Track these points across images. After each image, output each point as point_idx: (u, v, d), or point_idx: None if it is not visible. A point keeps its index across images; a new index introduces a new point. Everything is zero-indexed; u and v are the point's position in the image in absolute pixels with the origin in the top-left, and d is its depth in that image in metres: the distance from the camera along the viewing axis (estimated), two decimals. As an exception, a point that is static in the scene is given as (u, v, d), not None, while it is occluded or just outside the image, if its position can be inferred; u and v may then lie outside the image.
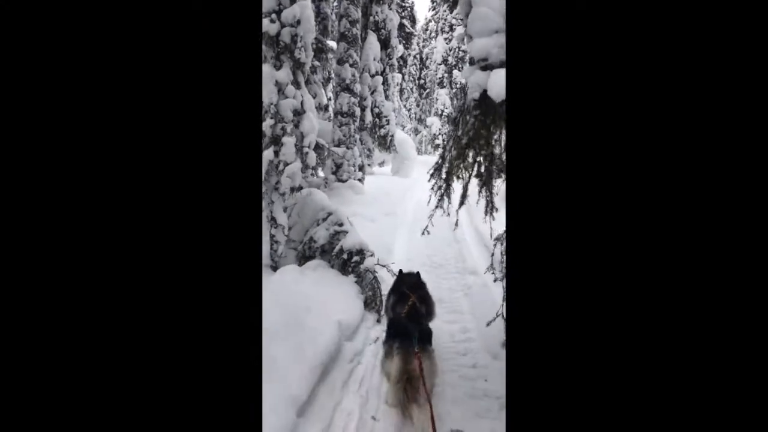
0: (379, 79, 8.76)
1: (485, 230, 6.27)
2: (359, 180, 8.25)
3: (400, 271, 3.46)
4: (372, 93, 8.77)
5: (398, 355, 2.38)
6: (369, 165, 14.84)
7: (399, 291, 3.09)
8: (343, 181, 7.77)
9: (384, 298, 3.52)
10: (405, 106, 27.38)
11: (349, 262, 4.39)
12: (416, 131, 28.63)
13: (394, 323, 2.74)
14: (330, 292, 3.89)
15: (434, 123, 23.10)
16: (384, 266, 4.49)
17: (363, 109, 8.59)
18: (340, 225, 4.65)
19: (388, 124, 8.99)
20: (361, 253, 4.43)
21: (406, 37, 30.17)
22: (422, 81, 29.25)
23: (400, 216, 8.71)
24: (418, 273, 3.36)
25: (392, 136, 9.12)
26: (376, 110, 8.82)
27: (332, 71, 7.54)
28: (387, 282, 4.77)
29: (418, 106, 29.47)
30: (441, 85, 23.42)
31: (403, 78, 28.13)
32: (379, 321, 4.10)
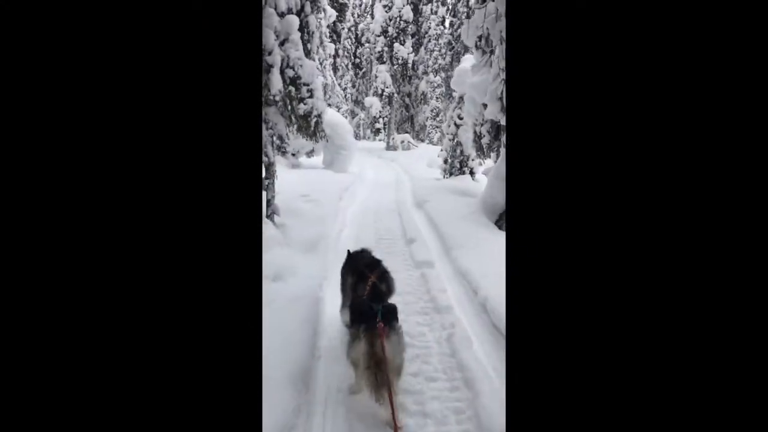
0: (294, 21, 5.10)
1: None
2: (264, 194, 4.64)
3: (348, 251, 3.16)
4: (282, 44, 5.09)
5: (365, 337, 2.23)
6: (294, 155, 11.12)
7: (357, 271, 2.83)
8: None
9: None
10: (339, 84, 23.49)
11: None
12: (353, 114, 24.93)
13: (356, 306, 2.52)
14: None
15: (374, 104, 19.48)
16: None
17: (266, 70, 4.92)
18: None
19: (311, 96, 5.37)
20: None
21: (340, 8, 26.12)
22: (358, 59, 25.43)
23: (331, 244, 5.19)
24: (369, 250, 3.19)
25: (319, 115, 5.52)
26: (291, 72, 5.17)
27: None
28: None
29: (354, 86, 25.69)
30: (381, 60, 19.77)
31: (336, 53, 24.16)
32: None
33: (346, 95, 24.60)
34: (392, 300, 3.86)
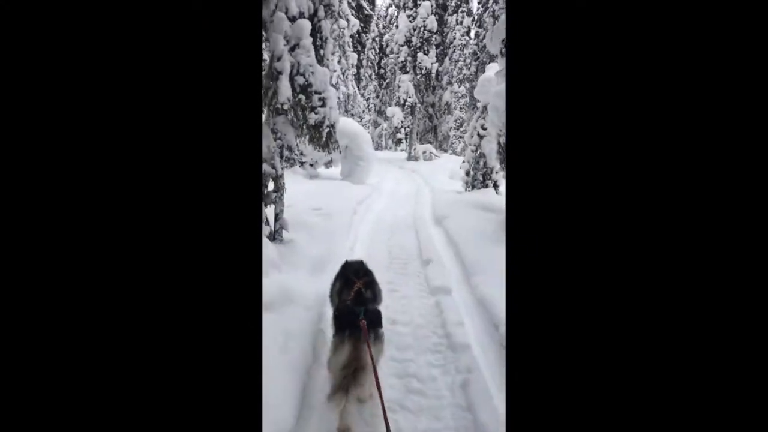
0: (306, 25, 4.77)
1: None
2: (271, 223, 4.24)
3: (346, 261, 3.15)
4: (293, 49, 4.76)
5: (349, 342, 2.14)
6: (312, 165, 10.82)
7: (344, 277, 2.86)
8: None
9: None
10: (363, 95, 23.32)
11: None
12: (375, 124, 24.69)
13: (340, 311, 2.48)
14: None
15: (396, 114, 19.14)
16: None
17: (275, 77, 4.58)
18: None
19: (323, 105, 5.01)
20: None
21: (365, 20, 26.07)
22: (383, 70, 25.21)
23: (338, 264, 4.75)
24: (362, 261, 3.11)
25: (332, 126, 5.15)
26: (301, 80, 4.81)
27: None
28: None
29: (377, 97, 25.48)
30: (404, 70, 19.46)
31: (360, 63, 24.05)
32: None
33: (369, 105, 24.41)
34: (403, 331, 3.41)
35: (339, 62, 15.53)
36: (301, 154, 10.24)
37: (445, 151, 21.52)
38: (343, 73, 15.94)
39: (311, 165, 10.53)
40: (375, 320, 2.36)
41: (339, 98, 17.56)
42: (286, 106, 4.65)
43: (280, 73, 4.63)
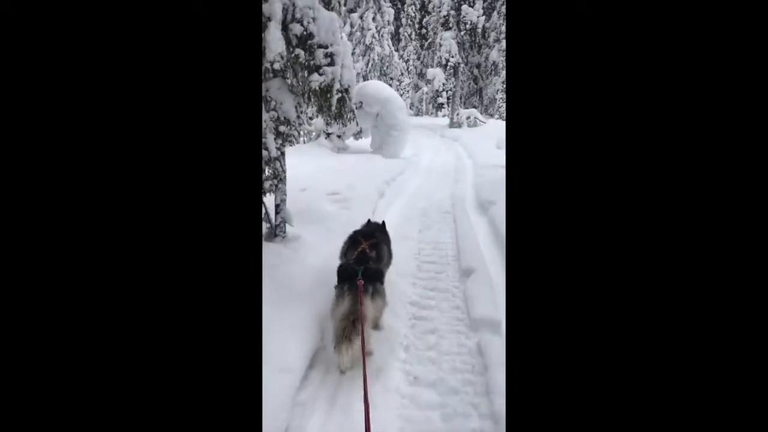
0: (305, -47, 3.43)
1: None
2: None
3: (368, 220, 3.48)
4: (286, -14, 3.47)
5: (348, 295, 2.34)
6: (339, 136, 9.60)
7: (353, 238, 3.05)
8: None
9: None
10: (402, 56, 21.42)
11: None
12: (416, 88, 22.86)
13: (342, 267, 2.59)
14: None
15: (437, 75, 17.29)
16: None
17: (262, 25, 3.34)
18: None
19: (331, 63, 3.73)
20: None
21: (404, -28, 23.70)
22: (424, 29, 23.03)
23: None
24: (383, 222, 3.46)
25: (345, 90, 3.89)
26: (298, 29, 3.55)
27: None
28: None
29: (419, 58, 23.46)
30: (446, 26, 17.41)
31: (399, 21, 22.02)
32: None
33: (408, 68, 22.53)
34: (427, 399, 2.28)
35: (374, 19, 13.89)
36: (328, 123, 9.04)
37: (491, 116, 19.51)
38: (378, 31, 14.31)
39: (338, 137, 9.33)
40: (374, 276, 2.48)
41: (374, 60, 15.98)
42: (277, 65, 3.42)
43: (269, 19, 3.40)
